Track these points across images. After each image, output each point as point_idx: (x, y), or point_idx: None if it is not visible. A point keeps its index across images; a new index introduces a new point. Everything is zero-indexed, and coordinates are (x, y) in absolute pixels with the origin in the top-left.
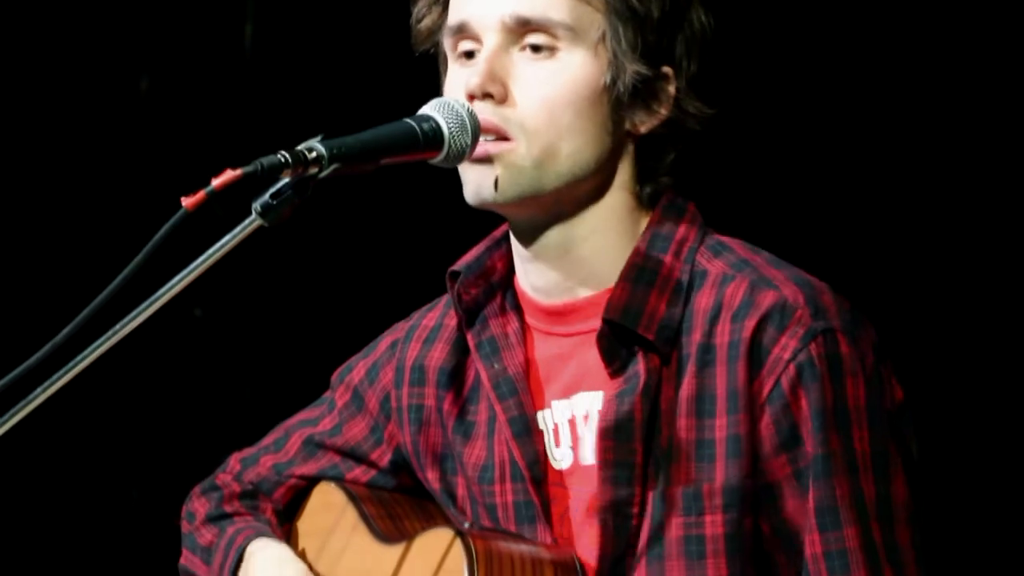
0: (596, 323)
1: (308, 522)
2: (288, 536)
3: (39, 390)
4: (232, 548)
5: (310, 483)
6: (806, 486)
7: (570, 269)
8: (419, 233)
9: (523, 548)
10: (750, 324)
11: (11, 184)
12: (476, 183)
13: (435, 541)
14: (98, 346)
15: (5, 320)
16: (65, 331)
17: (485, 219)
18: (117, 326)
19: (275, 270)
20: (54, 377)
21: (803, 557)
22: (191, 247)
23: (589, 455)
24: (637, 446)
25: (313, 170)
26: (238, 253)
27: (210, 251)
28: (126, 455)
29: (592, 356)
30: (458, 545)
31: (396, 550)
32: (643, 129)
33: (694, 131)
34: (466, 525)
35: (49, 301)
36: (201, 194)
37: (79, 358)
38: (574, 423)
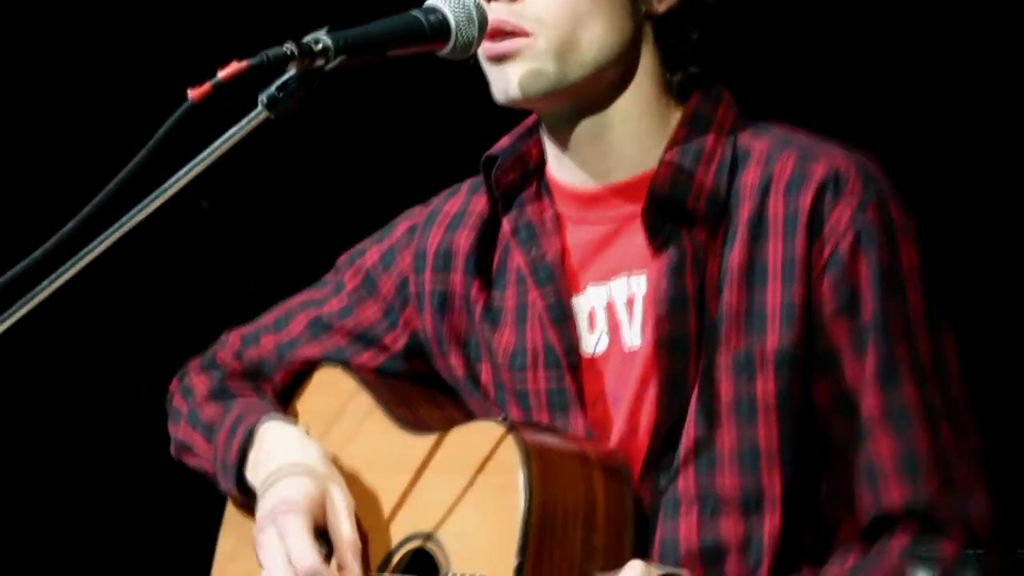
0: (631, 208)
1: (310, 403)
2: (287, 414)
3: (45, 283)
4: (240, 426)
5: (312, 365)
6: (864, 349)
7: (602, 156)
8: (427, 123)
9: (571, 446)
10: (806, 195)
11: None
12: (500, 82)
13: (478, 434)
14: (104, 238)
15: (11, 216)
16: (71, 224)
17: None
18: (124, 218)
19: (282, 160)
20: (60, 269)
21: (861, 418)
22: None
23: (634, 337)
24: (691, 318)
25: (319, 62)
26: (245, 145)
27: (216, 143)
28: (134, 351)
29: (629, 240)
30: (509, 439)
31: (424, 439)
32: (661, 8)
33: (712, 6)
34: (501, 418)
35: (55, 196)
36: (207, 86)
37: (85, 251)
38: (613, 307)
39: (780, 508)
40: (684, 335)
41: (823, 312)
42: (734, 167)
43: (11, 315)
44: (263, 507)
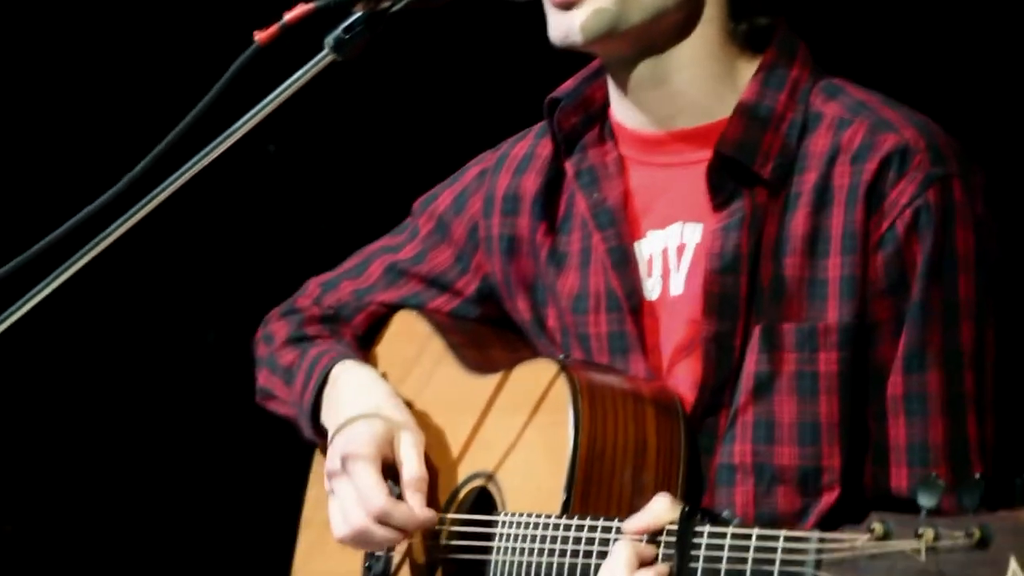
0: (694, 155)
1: (388, 349)
2: (368, 362)
3: (117, 223)
4: (317, 369)
5: (390, 310)
6: (900, 330)
7: (665, 101)
8: (499, 68)
9: (624, 384)
10: (870, 167)
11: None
12: (561, 27)
13: (534, 373)
14: (173, 181)
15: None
16: (139, 166)
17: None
18: (192, 161)
19: (353, 104)
20: (132, 210)
21: (884, 398)
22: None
23: (680, 286)
24: (743, 279)
25: (385, 3)
26: (311, 88)
27: (282, 87)
28: (201, 298)
29: (689, 188)
30: (561, 378)
31: (489, 380)
32: None
33: None
34: (561, 357)
35: (121, 137)
36: (274, 28)
37: (153, 194)
38: (666, 254)
39: (839, 484)
40: (735, 295)
41: (873, 287)
42: (804, 130)
43: (83, 255)
44: (333, 448)
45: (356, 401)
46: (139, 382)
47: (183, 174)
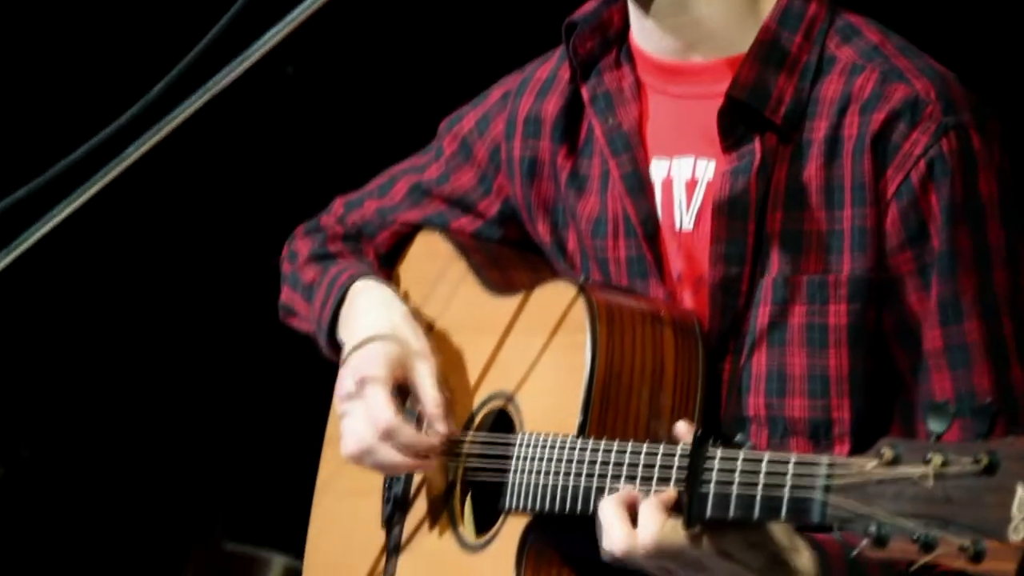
0: (711, 88)
1: (411, 268)
2: (391, 280)
3: (134, 146)
4: (335, 286)
5: (413, 230)
6: (929, 282)
7: (685, 29)
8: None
9: (643, 305)
10: (878, 117)
11: None
12: None
13: (554, 294)
14: (193, 101)
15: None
16: (160, 85)
17: None
18: (211, 82)
19: (374, 24)
20: (153, 129)
21: (922, 352)
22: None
23: (690, 222)
24: (750, 226)
25: None
26: (329, 10)
27: (301, 7)
28: (221, 219)
29: (704, 123)
30: (580, 299)
31: (510, 301)
32: None
33: None
34: (580, 279)
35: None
36: None
37: (171, 116)
38: (671, 184)
39: (849, 437)
40: (742, 242)
41: (890, 240)
42: (818, 74)
43: (102, 176)
44: (347, 367)
45: (372, 320)
46: (164, 301)
47: (201, 96)
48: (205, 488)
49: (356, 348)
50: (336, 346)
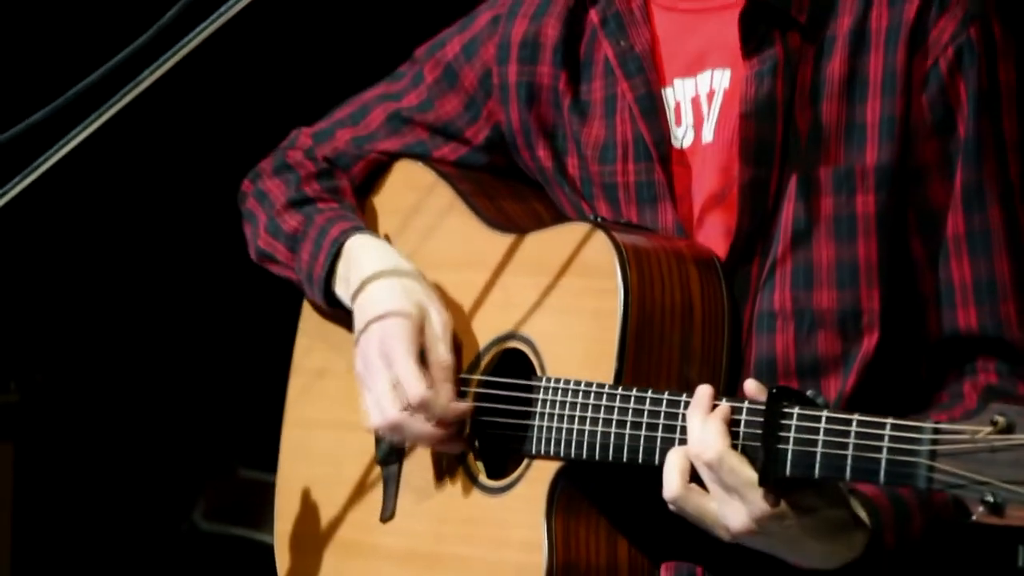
0: (721, 0)
1: (387, 199)
2: (364, 212)
3: (150, 69)
4: (327, 239)
5: (390, 160)
6: (953, 169)
7: None
8: None
9: (664, 244)
10: (911, 7)
11: None
12: None
13: (569, 234)
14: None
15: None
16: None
17: None
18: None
19: None
20: (166, 56)
21: (944, 239)
22: None
23: (711, 133)
24: (778, 126)
25: None
26: None
27: None
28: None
29: (719, 32)
30: (603, 241)
31: (509, 238)
32: None
33: None
34: (592, 217)
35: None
36: None
37: (185, 40)
38: (697, 101)
39: (878, 327)
40: (770, 142)
41: (918, 128)
42: None
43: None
44: (363, 331)
45: (383, 283)
46: (183, 230)
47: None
48: (220, 415)
49: (368, 307)
50: (332, 300)
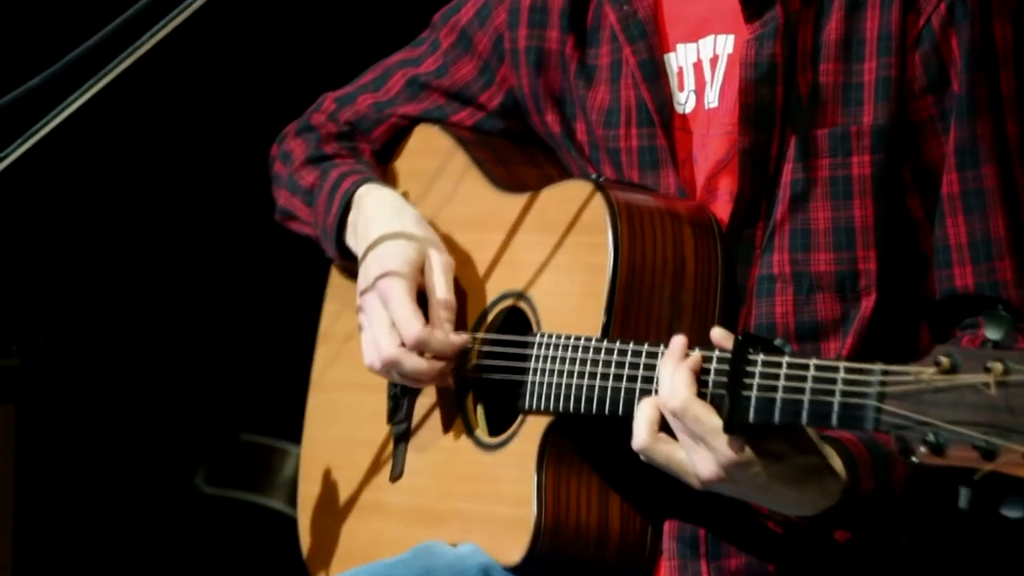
0: None
1: (408, 163)
2: (387, 177)
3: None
4: (339, 191)
5: (410, 124)
6: (948, 127)
7: None
8: None
9: (661, 204)
10: None
11: None
12: None
13: (568, 192)
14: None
15: None
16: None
17: None
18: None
19: None
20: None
21: (939, 198)
22: None
23: (715, 98)
24: (778, 89)
25: None
26: None
27: None
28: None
29: None
30: (598, 198)
31: (518, 199)
32: None
33: None
34: (594, 177)
35: None
36: None
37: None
38: (700, 66)
39: (876, 288)
40: (770, 105)
41: (912, 86)
42: None
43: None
44: (364, 274)
45: (383, 224)
46: (183, 194)
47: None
48: (222, 379)
49: (371, 253)
50: (344, 252)
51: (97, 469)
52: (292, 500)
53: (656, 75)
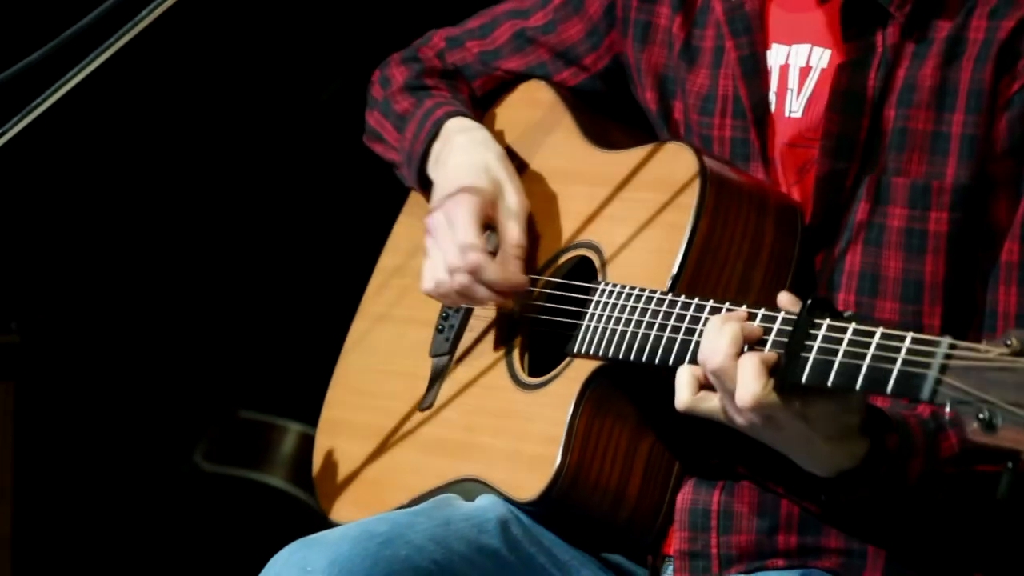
0: None
1: (508, 112)
2: (484, 121)
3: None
4: (430, 120)
5: (513, 79)
6: (1020, 193)
7: None
8: None
9: (752, 184)
10: (1007, 24)
11: None
12: None
13: (666, 155)
14: None
15: None
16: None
17: None
18: None
19: None
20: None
21: (998, 262)
22: None
23: (800, 110)
24: (864, 122)
25: None
26: None
27: None
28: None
29: (825, 10)
30: (693, 160)
31: (613, 155)
32: None
33: None
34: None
35: None
36: None
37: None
38: (787, 71)
39: None
40: (853, 136)
41: (994, 147)
42: None
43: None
44: (437, 202)
45: (466, 158)
46: (181, 169)
47: None
48: (220, 356)
49: (447, 181)
50: (424, 180)
51: (96, 446)
52: (291, 477)
53: (756, 72)
